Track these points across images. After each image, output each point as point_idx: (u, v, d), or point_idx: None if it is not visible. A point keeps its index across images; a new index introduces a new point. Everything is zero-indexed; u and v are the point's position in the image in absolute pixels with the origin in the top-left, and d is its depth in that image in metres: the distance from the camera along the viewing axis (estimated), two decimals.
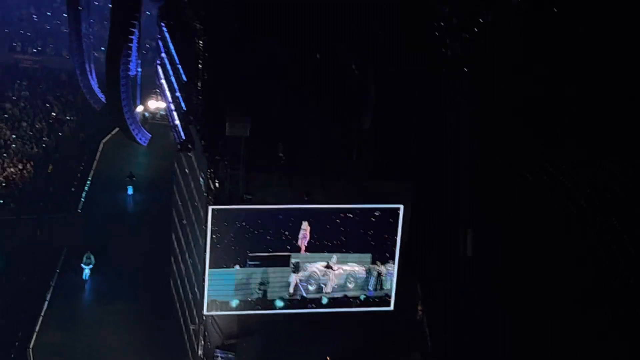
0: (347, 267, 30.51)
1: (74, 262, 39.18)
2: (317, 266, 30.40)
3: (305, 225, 29.61)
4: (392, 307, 31.19)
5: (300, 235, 29.55)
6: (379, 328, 31.20)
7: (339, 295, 30.56)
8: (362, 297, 30.83)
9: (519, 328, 29.94)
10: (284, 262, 30.16)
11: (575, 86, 29.94)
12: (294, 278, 30.41)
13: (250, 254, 29.88)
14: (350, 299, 30.57)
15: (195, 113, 30.35)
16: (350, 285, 30.63)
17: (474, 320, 31.25)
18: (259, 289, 29.93)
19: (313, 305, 30.55)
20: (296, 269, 30.33)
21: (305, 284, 30.44)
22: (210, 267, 29.21)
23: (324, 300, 30.51)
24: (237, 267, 29.50)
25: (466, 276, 31.64)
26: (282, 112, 28.91)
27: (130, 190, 46.06)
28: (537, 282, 29.83)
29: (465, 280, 31.66)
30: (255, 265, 29.87)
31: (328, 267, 30.27)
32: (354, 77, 30.16)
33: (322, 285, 30.59)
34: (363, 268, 30.50)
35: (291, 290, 30.42)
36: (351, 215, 29.83)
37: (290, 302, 30.34)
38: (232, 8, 29.18)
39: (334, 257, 30.46)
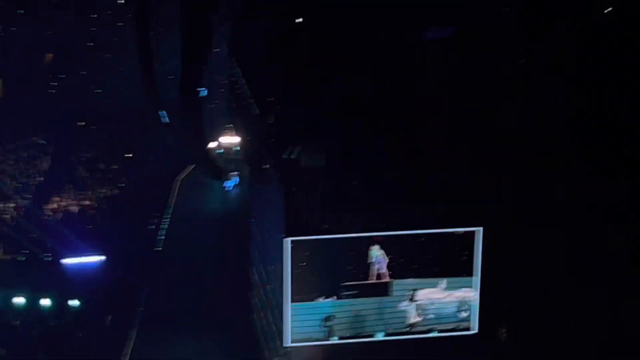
0: (459, 294, 30.30)
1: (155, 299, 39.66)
2: (433, 293, 30.21)
3: (377, 251, 29.55)
4: (476, 330, 30.98)
5: (375, 261, 29.47)
6: (464, 350, 30.99)
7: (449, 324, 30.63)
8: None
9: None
10: (382, 290, 30.07)
11: None
12: (413, 309, 30.25)
13: (345, 284, 29.93)
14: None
15: (270, 145, 30.53)
16: (465, 314, 30.53)
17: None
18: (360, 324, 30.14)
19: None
20: (412, 297, 30.18)
21: (423, 314, 30.39)
22: (292, 301, 29.23)
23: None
24: (328, 298, 29.53)
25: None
26: (356, 140, 28.96)
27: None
28: None
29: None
30: (351, 296, 29.78)
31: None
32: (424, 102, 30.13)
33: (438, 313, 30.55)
34: (472, 293, 30.34)
35: (411, 320, 30.29)
36: (428, 238, 29.72)
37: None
38: (301, 40, 29.39)
39: (444, 281, 30.25)
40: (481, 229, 29.50)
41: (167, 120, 35.51)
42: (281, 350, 30.67)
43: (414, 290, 29.82)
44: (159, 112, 38.05)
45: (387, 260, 29.06)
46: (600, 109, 30.01)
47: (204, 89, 36.92)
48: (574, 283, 30.59)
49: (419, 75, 29.47)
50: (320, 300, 29.07)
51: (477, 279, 29.92)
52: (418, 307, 29.87)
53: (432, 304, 29.92)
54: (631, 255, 29.48)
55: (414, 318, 29.86)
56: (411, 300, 30.02)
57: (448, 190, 30.00)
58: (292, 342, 29.57)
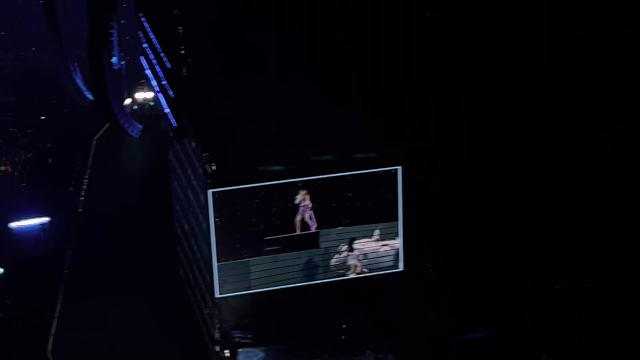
0: (394, 243, 30.69)
1: (80, 261, 39.40)
2: (370, 243, 30.51)
3: (302, 196, 29.66)
4: (402, 268, 31.39)
5: (300, 208, 29.62)
6: (390, 292, 31.43)
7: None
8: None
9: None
10: (312, 242, 30.53)
11: None
12: (354, 259, 30.54)
13: (267, 238, 29.99)
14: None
15: (184, 98, 30.35)
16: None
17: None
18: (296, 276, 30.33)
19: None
20: (351, 247, 30.40)
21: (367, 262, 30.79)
22: (219, 261, 29.30)
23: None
24: (253, 256, 29.66)
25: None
26: (270, 88, 28.91)
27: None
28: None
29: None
30: (274, 252, 29.94)
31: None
32: (338, 47, 30.11)
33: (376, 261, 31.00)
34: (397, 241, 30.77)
35: (357, 271, 30.66)
36: (351, 183, 29.93)
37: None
38: None
39: (377, 231, 30.54)
40: (400, 167, 29.82)
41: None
42: (210, 302, 30.79)
43: (352, 239, 30.14)
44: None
45: (310, 206, 29.25)
46: None
47: (115, 58, 36.40)
48: (495, 220, 31.23)
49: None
50: (246, 258, 29.17)
51: (400, 221, 30.31)
52: (357, 256, 30.25)
53: (369, 253, 30.35)
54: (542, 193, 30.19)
55: (353, 267, 30.25)
56: (350, 249, 30.34)
57: (367, 133, 30.19)
58: (221, 294, 29.69)
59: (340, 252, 30.11)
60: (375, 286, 30.66)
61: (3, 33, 65.37)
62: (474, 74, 32.04)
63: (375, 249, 30.29)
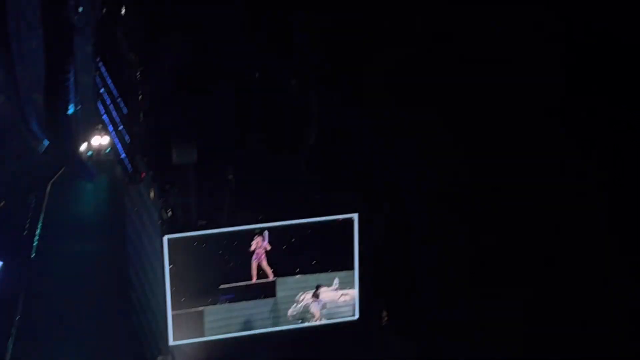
0: (352, 291, 30.72)
1: (32, 307, 39.00)
2: (329, 292, 30.49)
3: (257, 242, 29.62)
4: (356, 316, 31.37)
5: (255, 254, 29.57)
6: (346, 338, 31.40)
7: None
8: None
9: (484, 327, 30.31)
10: (268, 290, 30.54)
11: None
12: (316, 306, 30.45)
13: (223, 287, 29.84)
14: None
15: (140, 144, 30.30)
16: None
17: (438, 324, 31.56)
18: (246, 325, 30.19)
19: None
20: (310, 295, 30.36)
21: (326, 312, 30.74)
22: (173, 309, 29.14)
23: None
24: (208, 305, 29.49)
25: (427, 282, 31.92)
26: (227, 135, 28.98)
27: None
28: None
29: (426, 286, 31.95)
30: (229, 300, 29.82)
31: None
32: (294, 94, 30.31)
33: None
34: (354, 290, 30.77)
35: (316, 320, 30.58)
36: (308, 231, 29.94)
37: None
38: (167, 37, 29.17)
39: (336, 280, 30.56)
40: (356, 215, 29.92)
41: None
42: (164, 349, 30.58)
43: (318, 286, 30.15)
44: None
45: (266, 247, 29.17)
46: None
47: (71, 106, 36.34)
48: (449, 266, 31.32)
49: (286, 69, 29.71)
50: (200, 308, 28.99)
51: (356, 270, 30.36)
52: (319, 305, 30.26)
53: (327, 302, 30.35)
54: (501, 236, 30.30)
55: (310, 316, 30.23)
56: (316, 296, 30.34)
57: (323, 179, 30.35)
58: (174, 341, 29.49)
59: (297, 301, 30.04)
60: (330, 335, 30.65)
61: None
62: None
63: (335, 298, 30.27)
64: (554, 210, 28.92)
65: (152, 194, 29.19)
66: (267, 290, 29.73)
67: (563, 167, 28.60)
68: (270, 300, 29.91)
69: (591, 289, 27.88)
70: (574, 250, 28.26)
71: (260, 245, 29.42)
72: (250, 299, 29.68)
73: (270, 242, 29.40)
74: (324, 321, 30.67)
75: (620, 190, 27.30)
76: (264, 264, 29.55)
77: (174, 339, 29.65)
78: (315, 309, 30.28)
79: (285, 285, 29.96)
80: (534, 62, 28.47)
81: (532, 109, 28.81)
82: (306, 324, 30.47)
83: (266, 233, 29.14)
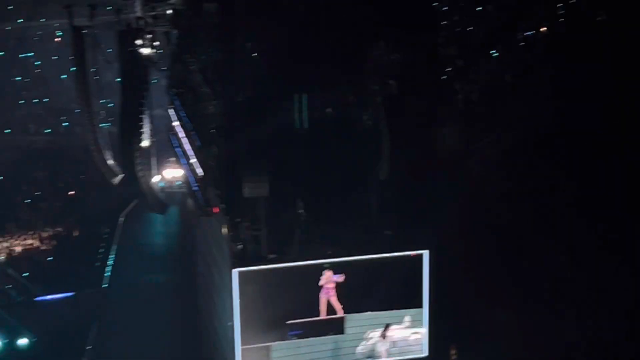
0: (421, 330, 30.45)
1: (103, 337, 39.35)
2: (400, 330, 30.26)
3: (328, 277, 29.44)
4: (425, 354, 31.06)
5: (324, 289, 29.40)
6: None
7: None
8: None
9: None
10: (337, 327, 30.01)
11: None
12: (384, 345, 30.27)
13: (289, 322, 29.80)
14: None
15: (212, 177, 30.48)
16: None
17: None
18: None
19: None
20: (381, 334, 30.16)
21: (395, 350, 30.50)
22: (242, 343, 29.10)
23: None
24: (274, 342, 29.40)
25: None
26: (299, 169, 29.02)
27: None
28: None
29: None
30: (297, 336, 29.72)
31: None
32: (367, 128, 30.28)
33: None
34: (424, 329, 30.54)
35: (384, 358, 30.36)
36: (378, 267, 29.75)
37: None
38: (242, 71, 29.38)
39: (407, 317, 30.33)
40: (427, 251, 29.66)
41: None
42: None
43: (387, 325, 29.89)
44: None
45: (333, 293, 29.02)
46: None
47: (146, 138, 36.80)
48: (519, 303, 30.92)
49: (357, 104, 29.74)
50: (268, 343, 28.90)
51: (426, 305, 30.04)
52: (387, 344, 29.99)
53: (398, 341, 30.03)
54: (575, 273, 29.83)
55: (382, 354, 29.93)
56: (383, 336, 30.09)
57: (394, 215, 30.19)
58: None
59: (366, 339, 29.79)
60: None
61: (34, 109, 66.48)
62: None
63: (406, 336, 29.96)
64: None
65: (223, 228, 29.27)
66: (335, 327, 29.54)
67: None
68: (338, 337, 29.70)
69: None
70: None
71: (329, 280, 29.30)
72: (318, 335, 29.51)
73: (337, 276, 29.27)
74: (393, 358, 30.38)
75: None
76: (333, 299, 29.40)
77: None
78: (383, 347, 29.98)
79: (354, 322, 29.74)
80: None
81: None
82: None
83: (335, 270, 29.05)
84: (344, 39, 28.87)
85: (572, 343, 29.47)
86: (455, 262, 31.34)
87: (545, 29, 30.86)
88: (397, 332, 29.79)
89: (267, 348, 29.07)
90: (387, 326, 29.66)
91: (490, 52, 32.52)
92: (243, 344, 28.77)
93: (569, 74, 29.39)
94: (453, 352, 32.14)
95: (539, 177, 31.01)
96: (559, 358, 29.55)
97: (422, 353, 30.41)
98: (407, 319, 29.85)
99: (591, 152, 29.30)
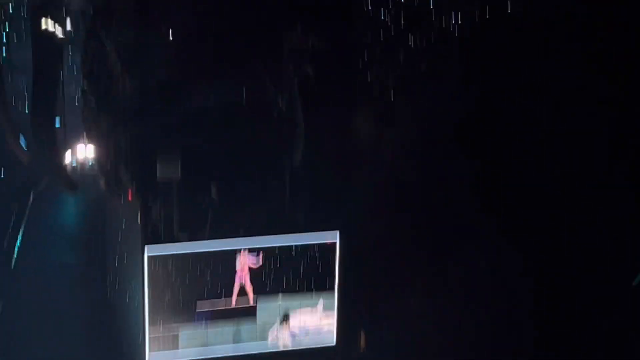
0: (331, 314, 30.38)
1: (9, 319, 38.87)
2: (311, 315, 30.14)
3: (242, 259, 29.42)
4: (334, 343, 31.20)
5: (237, 269, 29.31)
6: None
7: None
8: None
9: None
10: (247, 313, 29.93)
11: None
12: (286, 332, 30.09)
13: (200, 306, 29.63)
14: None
15: (124, 158, 30.35)
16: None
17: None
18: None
19: None
20: (286, 318, 29.98)
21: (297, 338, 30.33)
22: (150, 326, 28.94)
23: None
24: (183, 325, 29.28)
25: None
26: (213, 153, 29.03)
27: None
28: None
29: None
30: (207, 320, 29.57)
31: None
32: (282, 113, 30.40)
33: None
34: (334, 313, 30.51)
35: (281, 347, 30.14)
36: (290, 249, 29.84)
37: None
38: (157, 52, 29.32)
39: (321, 300, 30.25)
40: (337, 232, 29.85)
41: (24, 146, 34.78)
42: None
43: (286, 313, 29.89)
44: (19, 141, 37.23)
45: (247, 275, 29.08)
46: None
47: (57, 118, 36.44)
48: (431, 288, 31.30)
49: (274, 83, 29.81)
50: (176, 328, 28.82)
51: (336, 292, 30.25)
52: (290, 332, 29.95)
53: (310, 327, 30.00)
54: (487, 258, 30.29)
55: (283, 343, 29.96)
56: (284, 322, 30.09)
57: (305, 196, 30.33)
58: (150, 358, 29.39)
59: (278, 324, 29.81)
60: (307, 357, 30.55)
61: None
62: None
63: (317, 322, 29.99)
64: None
65: (135, 209, 29.25)
66: (247, 312, 29.48)
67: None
68: (250, 322, 29.66)
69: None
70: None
71: (244, 263, 29.30)
72: (229, 319, 29.46)
73: (255, 260, 29.30)
74: (302, 346, 30.49)
75: None
76: (247, 283, 29.40)
77: (150, 358, 29.53)
78: (291, 332, 30.03)
79: (265, 306, 29.79)
80: None
81: None
82: (283, 348, 30.24)
83: (249, 252, 29.13)
84: (260, 23, 28.90)
85: (483, 329, 29.99)
86: (367, 246, 31.63)
87: (461, 18, 31.23)
88: (306, 316, 29.92)
89: (175, 335, 29.00)
90: (295, 310, 29.76)
91: (408, 40, 32.81)
92: (151, 326, 28.66)
93: (487, 64, 29.82)
94: (362, 338, 32.42)
95: (453, 165, 31.39)
96: (471, 344, 30.07)
97: (331, 342, 30.67)
98: (320, 303, 29.95)
99: (507, 140, 29.78)
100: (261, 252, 29.16)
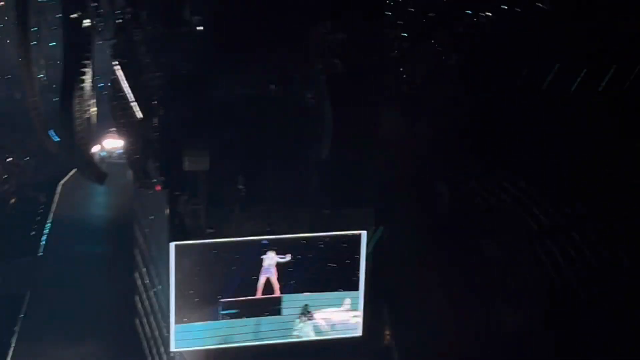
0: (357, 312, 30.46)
1: (36, 306, 39.07)
2: (339, 313, 30.34)
3: (271, 256, 29.41)
4: (360, 333, 31.20)
5: (265, 265, 29.35)
6: (349, 354, 31.28)
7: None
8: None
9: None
10: (272, 308, 30.22)
11: None
12: (309, 328, 30.28)
13: (223, 300, 29.97)
14: None
15: (153, 149, 30.31)
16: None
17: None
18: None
19: None
20: (306, 315, 30.08)
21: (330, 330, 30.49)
22: (176, 316, 28.90)
23: None
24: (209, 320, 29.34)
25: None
26: (240, 144, 28.95)
27: None
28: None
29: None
30: (231, 316, 29.68)
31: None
32: (310, 107, 30.27)
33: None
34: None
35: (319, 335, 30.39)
36: (316, 246, 29.72)
37: None
38: (186, 44, 29.19)
39: (348, 299, 30.33)
40: (364, 232, 29.80)
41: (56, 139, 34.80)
42: (166, 355, 30.52)
43: (307, 306, 29.92)
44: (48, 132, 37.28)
45: (275, 273, 28.97)
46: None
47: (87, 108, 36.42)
48: (454, 289, 31.22)
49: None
50: (201, 322, 28.79)
51: (362, 287, 30.11)
52: (315, 327, 30.04)
53: (337, 324, 30.15)
54: (508, 262, 30.15)
55: (317, 332, 30.03)
56: (307, 317, 30.12)
57: (332, 194, 30.25)
58: (177, 348, 29.41)
59: (303, 320, 29.80)
60: (333, 352, 30.53)
61: None
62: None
63: (345, 319, 30.07)
64: None
65: (162, 201, 29.20)
66: (272, 307, 29.48)
67: None
68: (275, 318, 29.66)
69: None
70: None
71: (272, 259, 29.26)
72: (253, 316, 29.46)
73: (281, 257, 29.22)
74: (328, 336, 30.49)
75: None
76: (273, 278, 29.36)
77: (176, 346, 29.59)
78: (309, 328, 29.99)
79: (291, 302, 29.71)
80: None
81: None
82: (308, 338, 30.25)
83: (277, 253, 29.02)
84: (290, 16, 28.81)
85: (503, 326, 29.88)
86: (394, 243, 31.53)
87: (489, 14, 31.12)
88: (333, 314, 29.87)
89: (201, 323, 29.01)
90: (321, 308, 29.71)
91: (436, 36, 32.66)
92: (177, 316, 28.70)
93: (510, 61, 29.68)
94: (387, 333, 32.40)
95: (478, 161, 31.26)
96: (491, 341, 29.95)
97: (357, 333, 30.60)
98: (346, 301, 29.93)
99: (529, 138, 29.63)
100: (289, 254, 28.77)
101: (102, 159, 50.00)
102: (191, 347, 29.21)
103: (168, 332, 29.16)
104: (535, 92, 29.02)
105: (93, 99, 41.32)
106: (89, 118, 38.75)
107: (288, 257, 28.92)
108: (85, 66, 33.91)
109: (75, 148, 37.05)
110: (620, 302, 27.09)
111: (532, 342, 29.07)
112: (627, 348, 26.43)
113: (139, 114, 32.91)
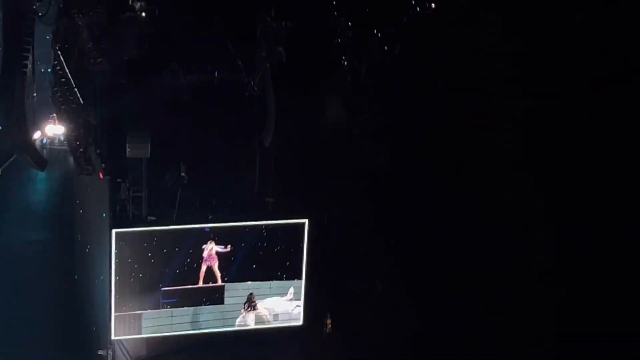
0: (298, 301, 30.36)
1: None
2: (282, 302, 30.24)
3: (210, 246, 29.27)
4: (301, 322, 31.22)
5: (205, 255, 29.21)
6: (290, 343, 31.31)
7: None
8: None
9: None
10: (215, 297, 30.20)
11: None
12: (252, 317, 30.18)
13: (164, 289, 29.93)
14: None
15: (94, 136, 30.06)
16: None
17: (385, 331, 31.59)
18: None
19: None
20: (251, 304, 29.97)
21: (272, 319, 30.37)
22: (116, 306, 28.71)
23: None
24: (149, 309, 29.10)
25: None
26: (183, 131, 28.83)
27: None
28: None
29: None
30: (172, 305, 29.51)
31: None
32: (254, 94, 30.23)
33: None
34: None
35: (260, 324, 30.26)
36: (258, 235, 29.68)
37: None
38: (129, 30, 28.96)
39: (292, 289, 30.25)
40: (307, 220, 29.81)
41: None
42: (106, 344, 30.33)
43: (252, 295, 29.85)
44: None
45: (216, 260, 28.89)
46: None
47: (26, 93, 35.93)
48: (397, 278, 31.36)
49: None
50: (141, 311, 28.59)
51: (303, 278, 30.13)
52: (257, 316, 29.94)
53: (280, 314, 30.10)
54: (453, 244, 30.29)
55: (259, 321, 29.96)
56: (250, 306, 30.07)
57: (277, 184, 30.24)
58: (116, 336, 29.20)
59: (246, 309, 29.72)
60: (274, 341, 30.52)
61: None
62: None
63: (288, 309, 30.03)
64: None
65: (103, 188, 28.98)
66: (214, 296, 29.35)
67: None
68: (217, 307, 29.54)
69: None
70: None
71: (212, 248, 29.16)
72: (194, 305, 29.33)
73: (217, 243, 29.12)
74: (269, 325, 30.48)
75: None
76: (215, 267, 29.26)
77: (116, 335, 29.39)
78: (259, 316, 29.95)
79: (234, 291, 29.63)
80: None
81: None
82: (249, 327, 30.21)
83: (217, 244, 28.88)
84: (235, 3, 28.72)
85: (447, 314, 30.05)
86: (336, 231, 31.61)
87: (434, 5, 31.18)
88: (274, 303, 29.81)
89: (139, 316, 28.80)
90: (263, 296, 29.68)
91: (382, 25, 32.69)
92: (117, 305, 28.49)
93: (463, 49, 29.75)
94: (328, 322, 32.48)
95: (423, 150, 31.36)
96: (434, 330, 30.13)
97: (298, 322, 30.62)
98: (290, 290, 29.90)
99: (478, 123, 29.79)
100: (229, 245, 28.64)
101: (43, 145, 49.45)
102: (131, 335, 29.05)
103: (108, 320, 28.97)
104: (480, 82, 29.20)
105: (33, 84, 40.88)
106: (29, 104, 38.30)
107: (229, 248, 28.83)
108: (26, 51, 33.44)
109: (16, 134, 36.61)
110: None
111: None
112: None
113: (81, 100, 32.63)
